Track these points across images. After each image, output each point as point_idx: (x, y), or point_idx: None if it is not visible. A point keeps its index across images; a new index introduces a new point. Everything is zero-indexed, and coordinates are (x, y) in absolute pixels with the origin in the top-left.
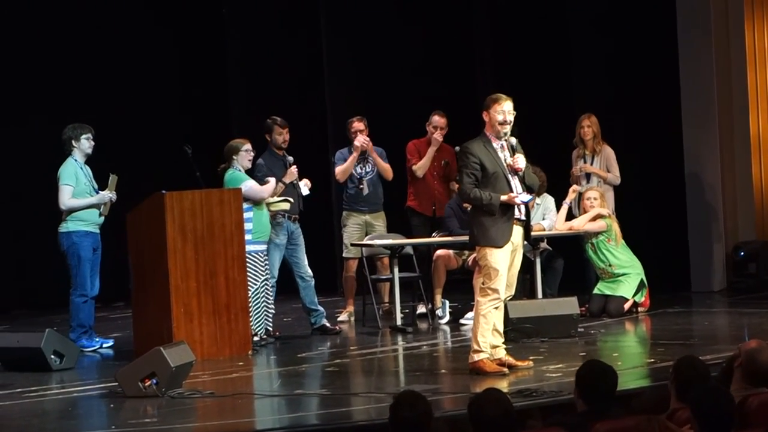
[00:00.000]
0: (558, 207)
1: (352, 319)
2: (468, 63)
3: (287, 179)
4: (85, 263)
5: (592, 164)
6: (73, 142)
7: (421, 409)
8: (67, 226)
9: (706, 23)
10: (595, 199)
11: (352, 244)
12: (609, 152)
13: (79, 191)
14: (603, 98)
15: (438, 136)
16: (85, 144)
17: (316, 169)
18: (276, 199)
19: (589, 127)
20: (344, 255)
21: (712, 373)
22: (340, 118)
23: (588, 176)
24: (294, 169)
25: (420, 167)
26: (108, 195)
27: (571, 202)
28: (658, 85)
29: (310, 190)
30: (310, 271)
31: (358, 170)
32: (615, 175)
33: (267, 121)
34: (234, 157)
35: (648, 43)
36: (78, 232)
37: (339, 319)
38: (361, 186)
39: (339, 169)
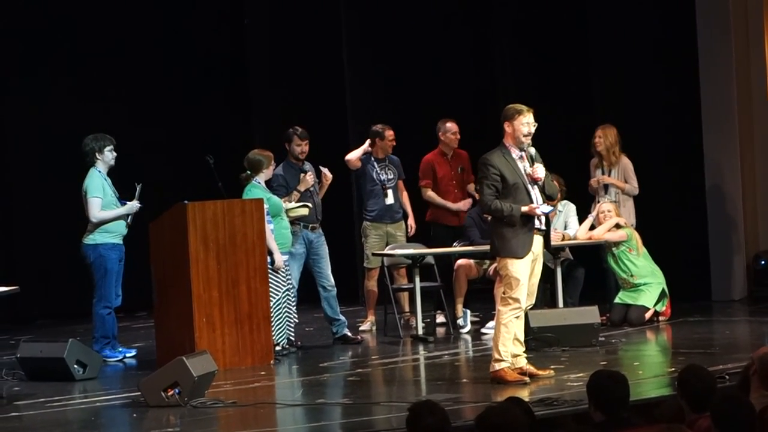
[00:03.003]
0: (583, 218)
1: (374, 328)
2: (487, 69)
3: (302, 187)
4: (111, 275)
5: (609, 175)
6: (96, 154)
7: (440, 416)
8: (94, 238)
9: (725, 30)
10: (609, 211)
11: (373, 254)
12: (626, 163)
13: (107, 203)
14: (622, 106)
15: (367, 142)
16: (108, 156)
17: (337, 178)
18: (294, 204)
19: (600, 138)
20: (366, 265)
21: (731, 382)
22: (361, 127)
23: (606, 187)
24: (309, 176)
25: (431, 198)
26: (137, 205)
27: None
28: (677, 94)
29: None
30: (332, 281)
31: (382, 177)
32: (633, 186)
33: (288, 131)
34: (260, 171)
35: (667, 51)
36: (105, 245)
37: (360, 328)
38: (386, 194)
39: (349, 155)
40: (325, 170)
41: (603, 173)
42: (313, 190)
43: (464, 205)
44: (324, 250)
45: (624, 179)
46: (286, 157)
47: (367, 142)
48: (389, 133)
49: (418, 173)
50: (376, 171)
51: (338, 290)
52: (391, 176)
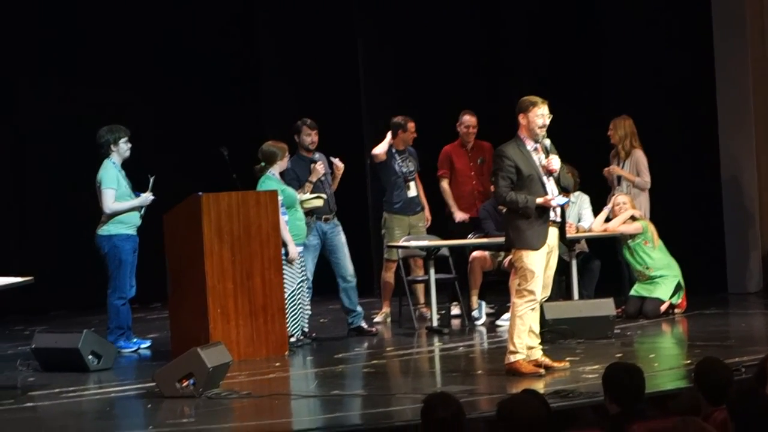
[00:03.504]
0: (597, 210)
1: (388, 320)
2: (500, 61)
3: (313, 177)
4: (125, 266)
5: (623, 167)
6: (111, 146)
7: (455, 408)
8: (108, 229)
9: (741, 23)
10: (624, 203)
11: (388, 246)
12: (639, 156)
13: (121, 194)
14: (637, 97)
15: (388, 134)
16: (123, 147)
17: (351, 170)
18: (308, 196)
19: (611, 130)
20: (386, 257)
21: (748, 375)
22: (375, 119)
23: (620, 178)
24: (320, 166)
25: (445, 191)
26: (150, 197)
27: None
28: (693, 86)
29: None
30: (351, 271)
31: (404, 169)
32: (644, 180)
33: (297, 123)
34: (274, 163)
35: (683, 44)
36: (120, 236)
37: (375, 320)
38: (409, 186)
39: (376, 150)
40: (336, 161)
41: (618, 164)
42: (325, 181)
43: (461, 216)
44: (340, 240)
45: (636, 172)
46: (297, 150)
47: (390, 134)
48: (411, 125)
49: (434, 164)
50: (398, 163)
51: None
52: (411, 168)
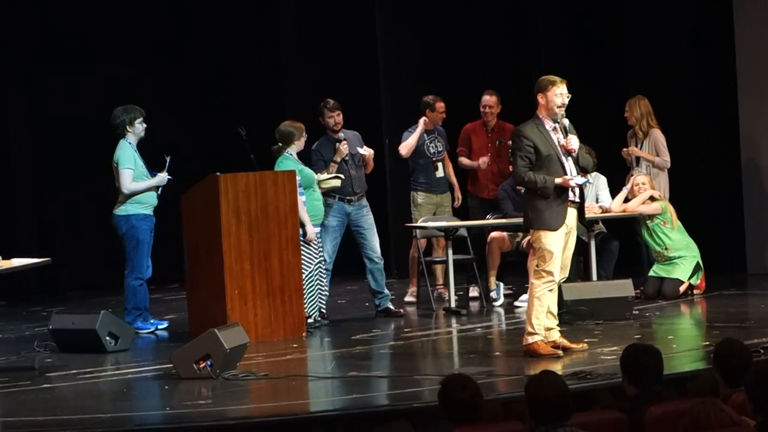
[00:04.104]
0: (614, 190)
1: (416, 299)
2: (524, 40)
3: (337, 157)
4: (143, 247)
5: (641, 147)
6: (127, 126)
7: (472, 389)
8: (126, 209)
9: (763, 2)
10: (643, 183)
11: (405, 225)
12: (657, 136)
13: (138, 174)
14: (656, 77)
15: (483, 160)
16: (139, 128)
17: (371, 149)
18: (326, 176)
19: (627, 112)
20: (416, 235)
21: (766, 356)
22: (394, 98)
23: (638, 159)
24: (343, 146)
25: (462, 164)
26: (166, 176)
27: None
28: (713, 66)
29: (362, 166)
30: (378, 253)
31: (432, 150)
32: (664, 159)
33: (319, 105)
34: (291, 143)
35: (703, 22)
36: (137, 216)
37: (406, 299)
38: (436, 167)
39: (403, 144)
40: (362, 151)
41: (636, 145)
42: (350, 161)
43: (483, 162)
44: (367, 221)
45: (655, 152)
46: (325, 132)
47: (422, 120)
48: (440, 105)
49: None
50: (426, 144)
51: None
52: (440, 149)
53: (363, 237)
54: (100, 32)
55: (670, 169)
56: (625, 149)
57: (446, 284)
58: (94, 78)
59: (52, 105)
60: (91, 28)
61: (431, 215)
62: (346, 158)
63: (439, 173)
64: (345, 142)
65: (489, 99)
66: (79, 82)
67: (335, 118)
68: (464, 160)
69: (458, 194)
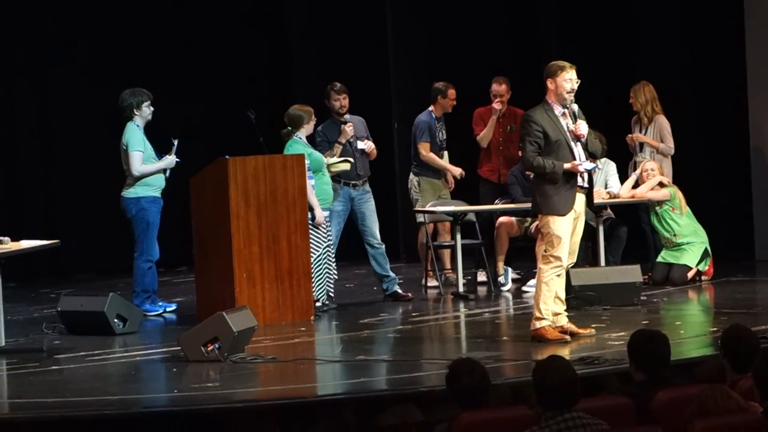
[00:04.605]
0: (623, 176)
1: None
2: (532, 26)
3: (342, 138)
4: (152, 229)
5: (645, 133)
6: (134, 109)
7: (480, 374)
8: (136, 191)
9: None
10: (652, 170)
11: (415, 210)
12: (662, 122)
13: (147, 156)
14: (666, 64)
15: (497, 105)
16: (146, 111)
17: (380, 133)
18: (335, 159)
19: (632, 98)
20: (423, 221)
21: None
22: (402, 83)
23: (642, 145)
24: (349, 128)
25: (483, 137)
26: (174, 159)
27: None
28: (722, 51)
29: (366, 153)
30: (378, 238)
31: (441, 136)
32: (668, 146)
33: (327, 88)
34: (300, 126)
35: (712, 8)
36: (147, 198)
37: (429, 284)
38: (442, 155)
39: (481, 135)
40: (362, 145)
41: (641, 131)
42: (354, 144)
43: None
44: (368, 207)
45: (659, 138)
46: (330, 115)
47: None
48: (451, 92)
49: (461, 131)
50: (437, 131)
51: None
52: (445, 136)
53: (364, 223)
54: (107, 14)
55: (680, 155)
56: (629, 135)
57: (454, 269)
58: (101, 60)
59: (59, 87)
60: (102, 9)
61: (436, 200)
62: (351, 140)
63: (445, 159)
64: (350, 124)
65: (498, 88)
66: (86, 64)
67: (341, 101)
68: (482, 132)
69: (450, 179)
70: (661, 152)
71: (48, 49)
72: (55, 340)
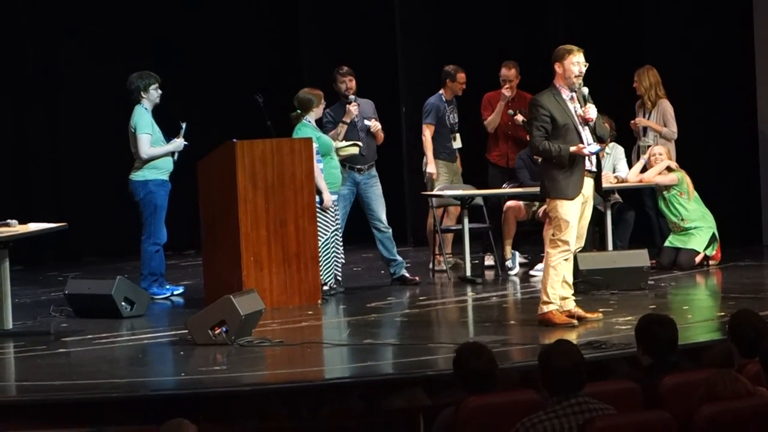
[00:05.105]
0: (630, 158)
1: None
2: (540, 10)
3: (347, 118)
4: (160, 212)
5: (648, 118)
6: (141, 92)
7: (487, 358)
8: (144, 174)
9: None
10: (660, 154)
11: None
12: (666, 106)
13: (155, 139)
14: (673, 48)
15: (506, 91)
16: (153, 94)
17: (387, 117)
18: (344, 144)
19: (636, 82)
20: (436, 205)
21: None
22: (411, 67)
23: (645, 129)
24: (353, 107)
25: (490, 122)
26: (182, 142)
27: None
28: (731, 34)
29: (373, 135)
30: (385, 222)
31: (451, 120)
32: (671, 130)
33: (333, 72)
34: (309, 110)
35: None
36: (155, 181)
37: (437, 268)
38: (455, 137)
39: (489, 120)
40: (367, 122)
41: (644, 115)
42: (360, 124)
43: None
44: (374, 191)
45: (663, 123)
46: (339, 99)
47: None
48: (461, 76)
49: (471, 115)
50: (447, 114)
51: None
52: (456, 119)
53: (370, 207)
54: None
55: (687, 140)
56: (633, 121)
57: (461, 253)
58: (109, 43)
59: (68, 70)
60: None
61: (449, 183)
62: (356, 120)
63: (457, 143)
64: (356, 104)
65: (508, 73)
66: (94, 47)
67: (347, 83)
68: (490, 117)
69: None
70: (664, 136)
71: (57, 32)
72: (63, 323)
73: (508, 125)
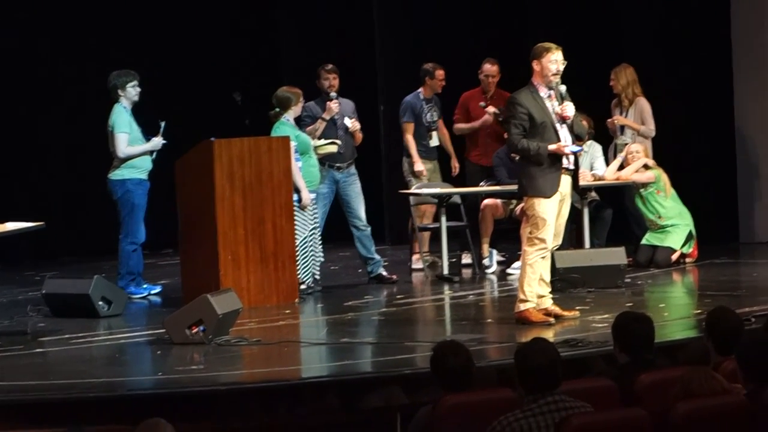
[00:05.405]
0: (607, 156)
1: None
2: (519, 9)
3: (326, 115)
4: (138, 211)
5: (626, 116)
6: (119, 90)
7: (464, 356)
8: (122, 173)
9: None
10: (637, 152)
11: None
12: (643, 104)
13: (133, 138)
14: (650, 46)
15: (488, 115)
16: (131, 92)
17: (365, 116)
18: (322, 142)
19: (613, 80)
20: (414, 203)
21: (758, 324)
22: (389, 66)
23: (623, 128)
24: (334, 104)
25: (458, 129)
26: (161, 141)
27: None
28: (707, 33)
29: (352, 133)
30: (364, 220)
31: (428, 118)
32: (649, 128)
33: (317, 69)
34: (288, 108)
35: None
36: (132, 180)
37: (415, 267)
38: (431, 136)
39: (457, 129)
40: (347, 121)
41: (621, 113)
42: (339, 121)
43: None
44: (353, 189)
45: (640, 121)
46: (320, 96)
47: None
48: (440, 73)
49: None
50: (425, 112)
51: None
52: (435, 117)
53: (349, 205)
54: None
55: (664, 138)
56: (609, 119)
57: (439, 251)
58: (90, 41)
59: (46, 68)
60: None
61: (426, 182)
62: (336, 117)
63: (434, 142)
64: (336, 101)
65: (490, 68)
66: (74, 46)
67: (330, 80)
68: (461, 125)
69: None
70: (642, 134)
71: (34, 30)
72: (40, 323)
73: (488, 127)
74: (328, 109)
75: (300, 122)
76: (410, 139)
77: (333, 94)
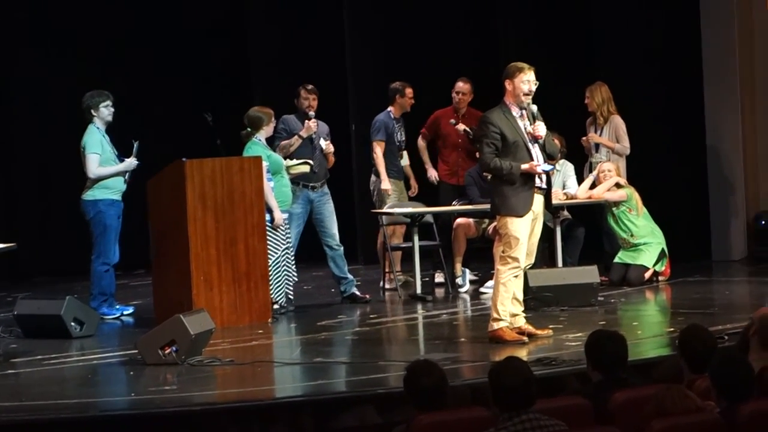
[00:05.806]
0: (580, 175)
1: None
2: (490, 27)
3: (304, 133)
4: (110, 232)
5: (601, 134)
6: (92, 110)
7: (438, 376)
8: (94, 194)
9: None
10: (609, 171)
11: (371, 212)
12: (618, 122)
13: (105, 159)
14: (622, 64)
15: (433, 177)
16: (104, 112)
17: (337, 135)
18: (294, 162)
19: (588, 98)
20: (387, 222)
21: (731, 342)
22: (361, 84)
23: (597, 146)
24: (313, 123)
25: (421, 148)
26: (134, 162)
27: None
28: (678, 52)
29: (325, 155)
30: (337, 240)
31: (399, 137)
32: (623, 146)
33: (297, 87)
34: (260, 128)
35: (669, 7)
36: (104, 201)
37: (387, 286)
38: (402, 155)
39: (422, 145)
40: (324, 143)
41: (596, 131)
42: (317, 146)
43: (433, 174)
44: (327, 208)
45: (615, 139)
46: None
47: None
48: (409, 91)
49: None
50: (396, 131)
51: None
52: (404, 137)
53: (323, 224)
54: (68, 17)
55: (637, 156)
56: (584, 138)
57: (411, 271)
58: (64, 62)
59: (19, 87)
60: (60, 13)
61: (397, 201)
62: (314, 137)
63: (404, 161)
64: (315, 121)
65: (463, 86)
66: (49, 67)
67: (310, 101)
68: (422, 143)
69: (414, 183)
70: (617, 152)
71: (11, 49)
72: (12, 344)
73: (458, 142)
74: (307, 127)
75: (275, 134)
76: (380, 157)
77: (311, 113)
